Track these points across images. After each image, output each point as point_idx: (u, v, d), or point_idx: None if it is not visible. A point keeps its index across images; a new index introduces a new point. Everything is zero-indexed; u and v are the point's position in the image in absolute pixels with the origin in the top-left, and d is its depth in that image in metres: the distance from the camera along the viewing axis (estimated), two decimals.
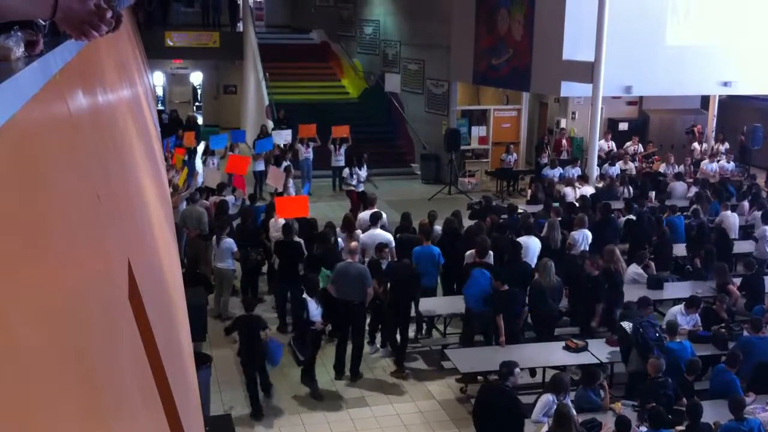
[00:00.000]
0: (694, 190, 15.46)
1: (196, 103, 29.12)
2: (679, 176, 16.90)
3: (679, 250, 12.41)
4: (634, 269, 10.98)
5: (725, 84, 17.29)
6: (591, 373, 8.06)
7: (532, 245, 11.00)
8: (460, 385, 9.52)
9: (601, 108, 16.32)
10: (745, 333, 8.90)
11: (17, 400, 0.94)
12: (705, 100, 21.16)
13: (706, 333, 9.29)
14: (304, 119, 19.10)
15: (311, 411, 8.98)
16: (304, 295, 9.16)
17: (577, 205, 13.39)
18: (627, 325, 8.67)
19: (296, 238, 10.79)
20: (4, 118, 1.08)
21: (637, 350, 8.43)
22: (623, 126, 20.85)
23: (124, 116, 4.22)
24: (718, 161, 17.99)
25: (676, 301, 10.28)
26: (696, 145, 19.89)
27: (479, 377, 9.25)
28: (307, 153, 18.29)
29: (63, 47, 1.78)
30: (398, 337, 10.03)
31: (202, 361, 7.89)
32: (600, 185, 15.75)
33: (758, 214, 13.51)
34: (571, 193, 14.60)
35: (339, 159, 18.34)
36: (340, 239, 10.96)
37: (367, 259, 10.42)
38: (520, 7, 17.45)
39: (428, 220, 11.69)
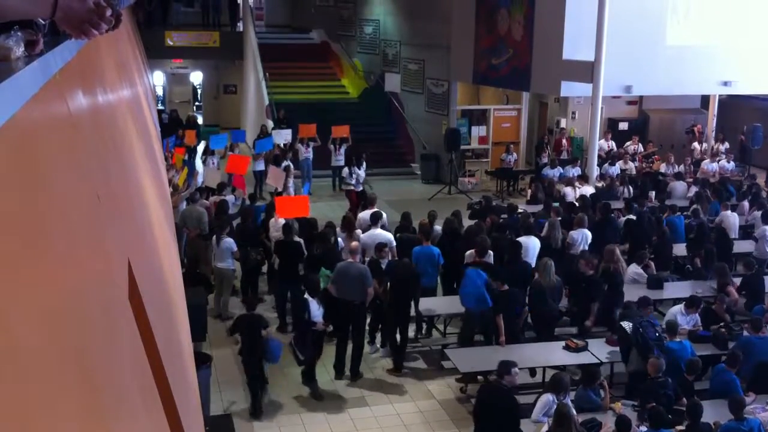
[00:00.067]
0: (694, 189, 15.46)
1: (196, 103, 29.11)
2: (679, 176, 16.91)
3: (679, 249, 12.41)
4: (634, 269, 10.98)
5: (725, 84, 17.29)
6: (591, 372, 8.06)
7: (531, 245, 11.00)
8: (460, 384, 9.52)
9: (601, 108, 16.32)
10: (745, 333, 8.90)
11: (17, 400, 0.94)
12: (705, 100, 21.17)
13: (706, 333, 9.29)
14: (304, 119, 19.10)
15: (311, 411, 8.98)
16: (306, 296, 9.17)
17: (577, 204, 13.39)
18: (627, 325, 8.67)
19: (296, 238, 10.79)
20: (4, 118, 1.08)
21: (637, 350, 8.43)
22: (623, 126, 20.85)
23: (124, 116, 4.22)
24: (719, 161, 17.99)
25: (676, 301, 10.28)
26: (696, 144, 19.90)
27: (479, 377, 9.25)
28: (307, 153, 18.29)
29: (63, 47, 1.78)
30: (398, 336, 10.02)
31: (202, 361, 7.89)
32: (600, 185, 15.75)
33: (758, 213, 13.51)
34: (571, 193, 14.60)
35: (339, 159, 18.33)
36: (340, 239, 10.97)
37: (367, 259, 10.42)
38: (520, 7, 17.45)
39: (428, 220, 11.69)
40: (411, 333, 10.52)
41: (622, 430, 6.87)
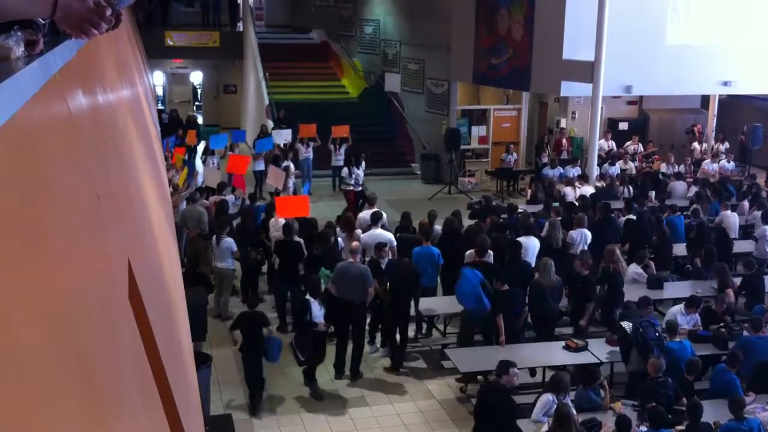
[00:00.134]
0: (694, 189, 15.46)
1: (196, 103, 29.12)
2: (679, 176, 16.91)
3: (679, 249, 12.41)
4: (634, 269, 10.98)
5: (725, 83, 17.30)
6: (591, 372, 8.06)
7: (531, 245, 11.00)
8: (460, 384, 9.52)
9: (601, 108, 16.32)
10: (745, 333, 8.90)
11: (17, 400, 0.94)
12: (705, 100, 21.17)
13: (706, 333, 9.29)
14: (304, 119, 19.11)
15: (311, 411, 8.98)
16: (307, 297, 9.16)
17: (577, 204, 13.39)
18: (627, 325, 8.67)
19: (296, 238, 10.79)
20: (4, 118, 1.07)
21: (637, 350, 8.43)
22: (623, 125, 20.85)
23: (124, 116, 4.22)
24: (719, 161, 17.99)
25: (676, 301, 10.28)
26: (696, 144, 19.89)
27: (479, 377, 9.25)
28: (307, 153, 18.29)
29: (63, 47, 1.78)
30: (398, 336, 10.02)
31: (202, 361, 7.89)
32: (600, 185, 15.75)
33: (758, 213, 13.51)
34: (571, 193, 14.60)
35: (339, 159, 18.32)
36: (340, 239, 10.97)
37: (367, 259, 10.42)
38: (520, 7, 17.45)
39: (428, 219, 11.69)
40: (411, 333, 10.52)
41: (622, 430, 6.87)
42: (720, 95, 20.16)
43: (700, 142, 19.99)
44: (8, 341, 0.94)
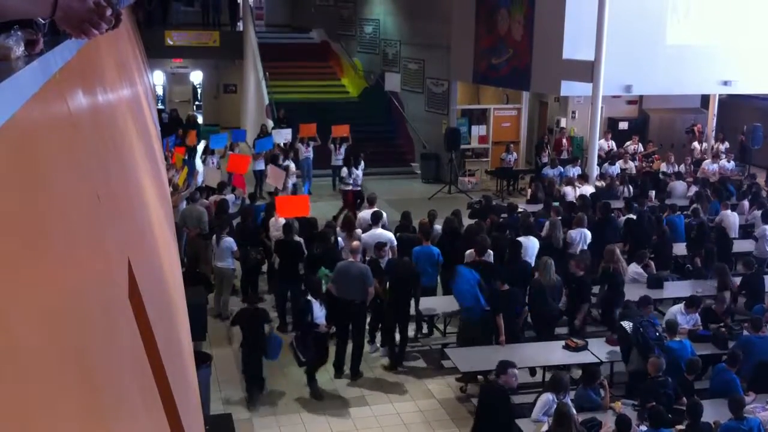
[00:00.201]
0: (694, 189, 15.46)
1: (196, 103, 29.11)
2: (679, 175, 16.90)
3: (679, 249, 12.41)
4: (634, 268, 10.98)
5: (725, 83, 17.29)
6: (591, 372, 8.06)
7: (531, 245, 11.00)
8: (460, 384, 9.52)
9: (601, 107, 16.32)
10: (745, 332, 8.90)
11: (17, 400, 0.94)
12: (705, 100, 21.16)
13: (706, 332, 9.30)
14: (304, 118, 19.10)
15: (311, 410, 8.98)
16: (309, 297, 9.16)
17: (577, 204, 13.39)
18: (627, 325, 8.67)
19: (296, 238, 10.79)
20: (4, 117, 1.07)
21: (638, 349, 8.43)
22: (623, 125, 20.85)
23: (124, 116, 4.21)
24: (719, 161, 17.99)
25: (676, 301, 10.28)
26: (696, 144, 19.89)
27: (479, 377, 9.25)
28: (307, 152, 18.29)
29: (63, 46, 1.78)
30: (398, 336, 10.02)
31: (202, 360, 7.90)
32: (600, 184, 15.74)
33: (758, 213, 13.51)
34: (571, 193, 14.60)
35: (339, 158, 18.32)
36: (339, 239, 10.97)
37: (367, 258, 10.42)
38: (520, 7, 17.44)
39: (428, 219, 11.69)
40: (411, 332, 10.52)
41: (622, 430, 6.87)
42: (720, 95, 20.16)
43: (700, 142, 19.98)
44: (8, 341, 0.94)
